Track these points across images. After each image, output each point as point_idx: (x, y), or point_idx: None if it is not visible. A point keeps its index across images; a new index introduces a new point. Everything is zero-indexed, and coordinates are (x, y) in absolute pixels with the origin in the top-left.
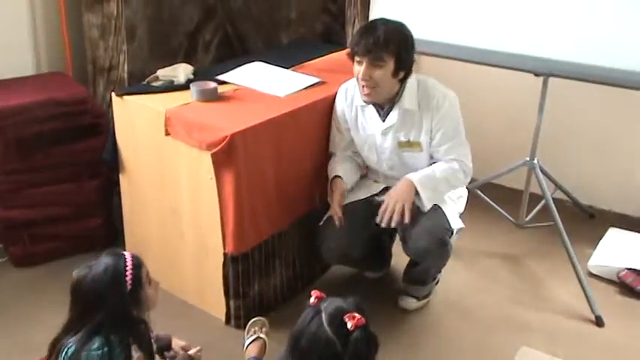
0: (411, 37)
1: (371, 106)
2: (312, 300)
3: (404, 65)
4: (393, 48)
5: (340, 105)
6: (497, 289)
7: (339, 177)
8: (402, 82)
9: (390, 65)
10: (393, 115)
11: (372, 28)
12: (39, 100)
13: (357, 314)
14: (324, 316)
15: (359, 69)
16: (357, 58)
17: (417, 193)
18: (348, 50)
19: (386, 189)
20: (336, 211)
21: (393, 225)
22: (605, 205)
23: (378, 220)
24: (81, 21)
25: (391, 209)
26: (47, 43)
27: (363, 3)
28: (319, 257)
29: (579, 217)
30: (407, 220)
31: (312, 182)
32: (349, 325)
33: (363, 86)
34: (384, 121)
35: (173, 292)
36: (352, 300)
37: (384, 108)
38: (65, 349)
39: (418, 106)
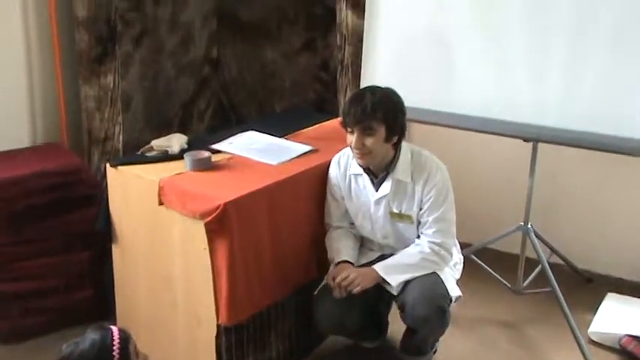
0: (400, 102)
1: (365, 175)
2: None
3: (395, 131)
4: (381, 115)
5: (334, 174)
6: (496, 358)
7: (348, 262)
8: (397, 145)
9: (382, 132)
10: (387, 186)
11: (360, 97)
12: (33, 171)
13: None
14: None
15: (351, 138)
16: (348, 129)
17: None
18: (340, 119)
19: (381, 257)
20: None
21: (340, 294)
22: (602, 269)
23: (329, 280)
24: (78, 92)
25: (345, 285)
26: (44, 114)
27: (354, 72)
28: (315, 327)
29: (576, 281)
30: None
31: (308, 251)
32: None
33: (356, 154)
34: (377, 190)
35: None
36: None
37: (377, 177)
38: None
39: (411, 178)
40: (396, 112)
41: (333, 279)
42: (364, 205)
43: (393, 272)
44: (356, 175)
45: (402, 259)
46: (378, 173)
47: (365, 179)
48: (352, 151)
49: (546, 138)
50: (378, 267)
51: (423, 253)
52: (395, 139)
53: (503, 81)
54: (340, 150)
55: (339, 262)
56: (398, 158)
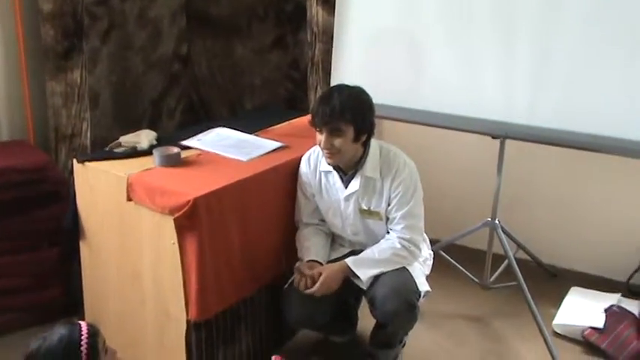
0: (369, 101)
1: (334, 172)
2: None
3: (364, 130)
4: (349, 116)
5: (304, 171)
6: (464, 352)
7: (317, 261)
8: (366, 143)
9: (350, 132)
10: (355, 183)
11: (328, 97)
12: None
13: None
14: None
15: (320, 137)
16: (317, 128)
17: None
18: (309, 118)
19: (352, 252)
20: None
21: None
22: (566, 264)
23: (295, 281)
24: (44, 89)
25: (310, 283)
26: (9, 111)
27: (325, 70)
28: (285, 322)
29: (542, 276)
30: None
31: (277, 246)
32: None
33: (325, 153)
34: (346, 187)
35: None
36: None
37: (347, 174)
38: None
39: (380, 174)
40: (364, 112)
41: (301, 273)
42: (334, 202)
43: (364, 266)
44: (326, 172)
45: (372, 254)
46: (347, 170)
47: (335, 176)
48: (321, 150)
49: (514, 135)
50: (349, 260)
51: (394, 248)
52: (364, 137)
53: (471, 78)
54: (311, 147)
55: (308, 261)
56: (367, 155)
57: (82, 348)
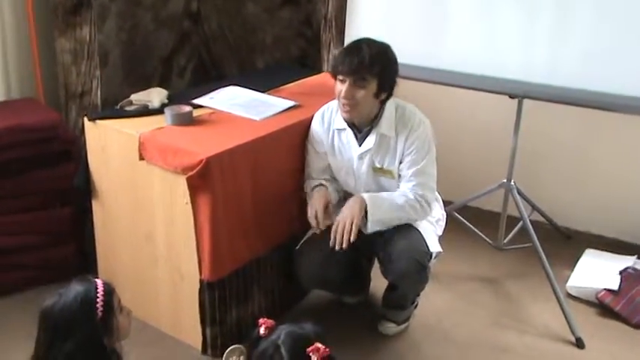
0: (395, 59)
1: (349, 130)
2: (262, 331)
3: (386, 87)
4: (377, 70)
5: (317, 128)
6: (477, 312)
7: (323, 185)
8: (383, 102)
9: (373, 86)
10: (370, 140)
11: (358, 48)
12: (8, 126)
13: (320, 345)
14: (284, 351)
15: (341, 88)
16: (339, 77)
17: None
18: (330, 69)
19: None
20: (317, 218)
21: (345, 247)
22: (582, 226)
23: (330, 243)
24: (53, 46)
25: (341, 229)
26: (18, 68)
27: (338, 27)
28: (297, 282)
29: (556, 238)
30: (352, 238)
31: (290, 206)
32: (314, 359)
33: (343, 104)
34: (360, 145)
35: (147, 320)
36: (308, 326)
37: (361, 131)
38: None
39: (395, 132)
40: (391, 69)
41: (323, 231)
42: (347, 160)
43: (376, 206)
44: (339, 130)
45: (389, 195)
46: (361, 128)
47: (349, 134)
48: (339, 102)
49: (533, 94)
50: (366, 195)
51: (407, 197)
52: (384, 95)
53: (489, 36)
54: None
55: (315, 187)
56: (383, 113)
57: (98, 305)
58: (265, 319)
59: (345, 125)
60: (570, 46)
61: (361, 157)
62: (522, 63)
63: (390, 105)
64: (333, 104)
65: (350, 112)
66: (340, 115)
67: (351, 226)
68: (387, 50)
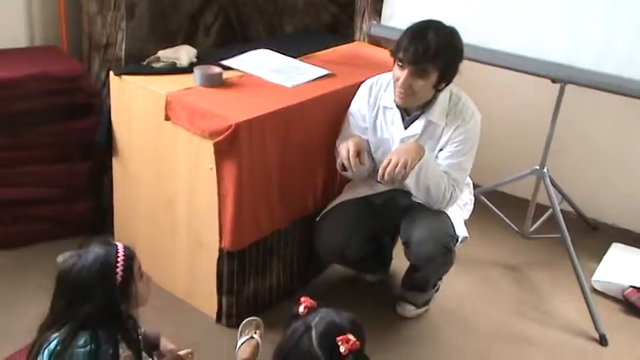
0: (461, 48)
1: (396, 110)
2: (301, 309)
3: (447, 78)
4: (440, 62)
5: (362, 101)
6: (499, 300)
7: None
8: (440, 91)
9: (433, 77)
10: (418, 125)
11: (423, 35)
12: (31, 73)
13: (351, 336)
14: (314, 334)
15: (400, 74)
16: (399, 63)
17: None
18: (392, 49)
19: (391, 191)
20: (350, 158)
21: (392, 184)
22: (609, 219)
23: (379, 177)
24: None
25: (394, 164)
26: (42, 15)
27: None
28: (316, 254)
29: (582, 229)
30: (401, 181)
31: (316, 180)
32: (342, 349)
33: (399, 92)
34: (406, 128)
35: (163, 285)
36: (347, 316)
37: (410, 114)
38: (47, 345)
39: (445, 122)
40: (455, 60)
41: (352, 158)
42: (387, 140)
43: (431, 164)
44: (386, 107)
45: (439, 165)
46: (411, 111)
47: (395, 114)
48: (394, 85)
49: (578, 80)
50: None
51: (446, 183)
52: (443, 85)
53: (537, 17)
54: (360, 76)
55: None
56: (436, 99)
57: (118, 270)
58: (307, 298)
59: (393, 105)
60: (624, 31)
61: (403, 140)
62: (569, 45)
63: (444, 92)
64: (384, 78)
65: (404, 100)
66: (389, 92)
67: (405, 168)
68: (455, 39)
